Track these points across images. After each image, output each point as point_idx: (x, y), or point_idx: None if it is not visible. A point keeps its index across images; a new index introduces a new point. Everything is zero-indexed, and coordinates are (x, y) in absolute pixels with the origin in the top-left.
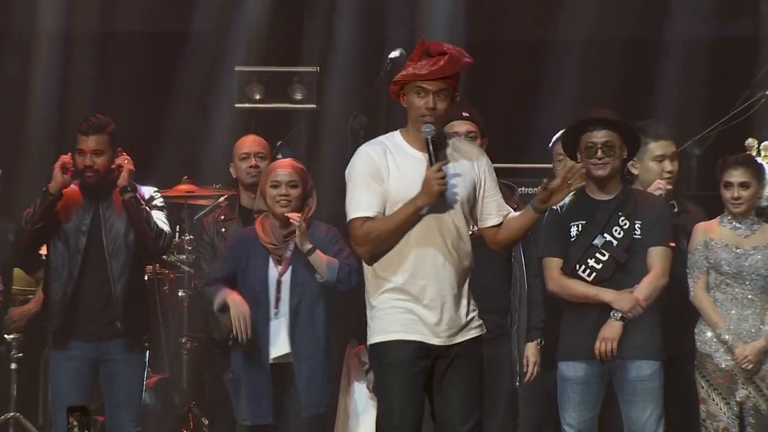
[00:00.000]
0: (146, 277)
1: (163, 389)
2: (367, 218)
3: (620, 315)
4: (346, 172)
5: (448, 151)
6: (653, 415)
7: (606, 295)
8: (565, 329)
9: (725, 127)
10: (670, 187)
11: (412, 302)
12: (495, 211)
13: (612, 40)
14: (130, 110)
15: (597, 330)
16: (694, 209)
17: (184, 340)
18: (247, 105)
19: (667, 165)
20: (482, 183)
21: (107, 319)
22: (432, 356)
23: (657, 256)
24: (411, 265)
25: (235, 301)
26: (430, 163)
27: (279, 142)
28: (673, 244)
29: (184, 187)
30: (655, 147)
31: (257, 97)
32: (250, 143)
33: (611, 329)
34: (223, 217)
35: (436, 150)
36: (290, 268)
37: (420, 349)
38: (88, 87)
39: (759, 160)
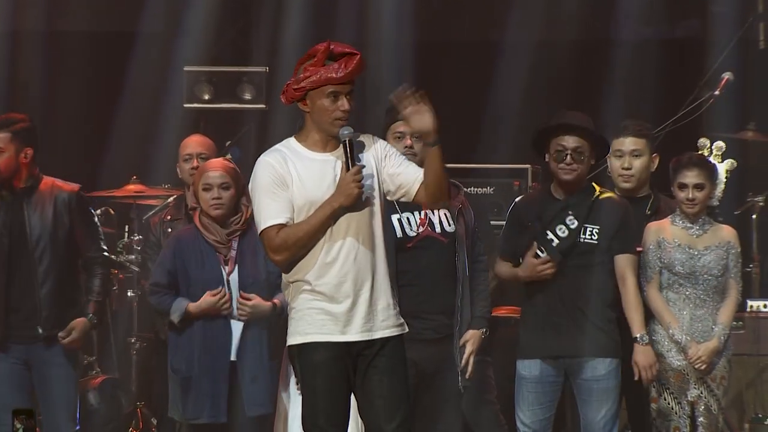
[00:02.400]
0: None
1: (109, 389)
2: (281, 226)
3: (646, 338)
4: (249, 185)
5: None
6: (608, 415)
7: (519, 271)
8: (524, 327)
9: (674, 127)
10: (627, 184)
11: (326, 302)
12: (416, 173)
13: (561, 40)
14: (78, 110)
15: (555, 328)
16: (670, 212)
17: (133, 340)
18: (196, 105)
19: (625, 161)
20: (385, 162)
21: (34, 322)
22: (352, 354)
23: (627, 265)
24: (321, 265)
25: (198, 306)
26: (348, 166)
27: (228, 142)
28: (640, 249)
29: (132, 187)
30: (615, 143)
31: (206, 97)
32: (193, 144)
33: (644, 356)
34: (169, 218)
35: (353, 151)
36: (236, 268)
37: (338, 348)
38: (36, 87)
39: (711, 159)
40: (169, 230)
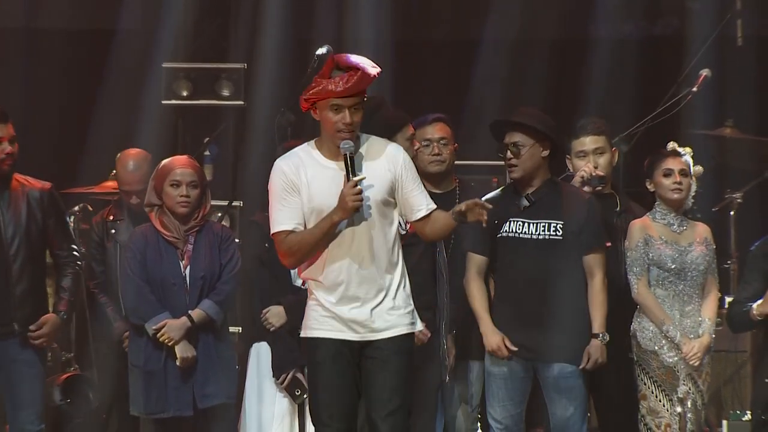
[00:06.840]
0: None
1: (74, 386)
2: (289, 232)
3: (606, 337)
4: (269, 186)
5: (363, 152)
6: (577, 413)
7: (483, 325)
8: (497, 322)
9: (652, 123)
10: (600, 173)
11: (334, 302)
12: (422, 204)
13: (540, 39)
14: (57, 107)
15: (526, 325)
16: (637, 209)
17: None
18: (174, 101)
19: (590, 161)
20: (401, 181)
21: (6, 319)
22: (355, 353)
23: (595, 262)
24: (329, 270)
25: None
26: (348, 178)
27: (206, 139)
28: (608, 244)
29: (111, 184)
30: (576, 144)
31: (185, 93)
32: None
33: (600, 352)
34: (112, 218)
35: (353, 165)
36: (190, 263)
37: (340, 346)
38: (15, 84)
39: None
40: (113, 231)
